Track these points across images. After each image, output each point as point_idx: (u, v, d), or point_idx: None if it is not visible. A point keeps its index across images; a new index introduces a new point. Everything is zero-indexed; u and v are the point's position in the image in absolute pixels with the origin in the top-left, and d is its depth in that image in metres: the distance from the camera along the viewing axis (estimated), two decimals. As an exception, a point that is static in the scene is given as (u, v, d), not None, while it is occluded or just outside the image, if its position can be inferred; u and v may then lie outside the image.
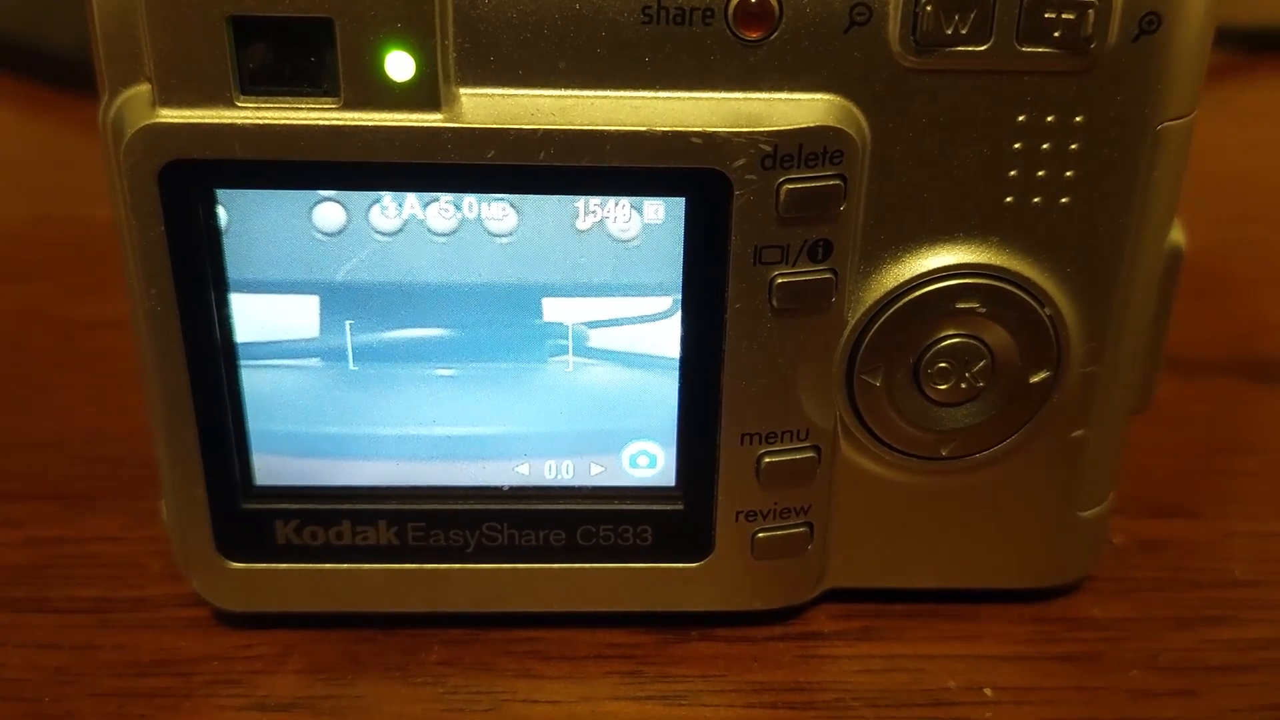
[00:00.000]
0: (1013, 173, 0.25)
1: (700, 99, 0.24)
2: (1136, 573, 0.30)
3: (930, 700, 0.27)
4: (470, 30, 0.23)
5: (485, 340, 0.26)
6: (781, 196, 0.24)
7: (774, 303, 0.25)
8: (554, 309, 0.26)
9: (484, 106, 0.23)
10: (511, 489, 0.27)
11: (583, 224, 0.25)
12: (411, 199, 0.25)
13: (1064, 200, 0.25)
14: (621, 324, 0.26)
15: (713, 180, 0.24)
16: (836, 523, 0.28)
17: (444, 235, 0.25)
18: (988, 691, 0.27)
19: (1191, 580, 0.30)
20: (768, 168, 0.24)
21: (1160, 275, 0.27)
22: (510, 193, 0.24)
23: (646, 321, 0.26)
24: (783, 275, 0.25)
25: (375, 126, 0.23)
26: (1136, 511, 0.32)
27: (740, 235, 0.25)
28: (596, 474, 0.28)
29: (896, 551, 0.29)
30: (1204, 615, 0.29)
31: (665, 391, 0.27)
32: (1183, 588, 0.30)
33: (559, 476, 0.27)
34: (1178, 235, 0.27)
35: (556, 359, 0.26)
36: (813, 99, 0.24)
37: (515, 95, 0.24)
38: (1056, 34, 0.24)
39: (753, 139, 0.24)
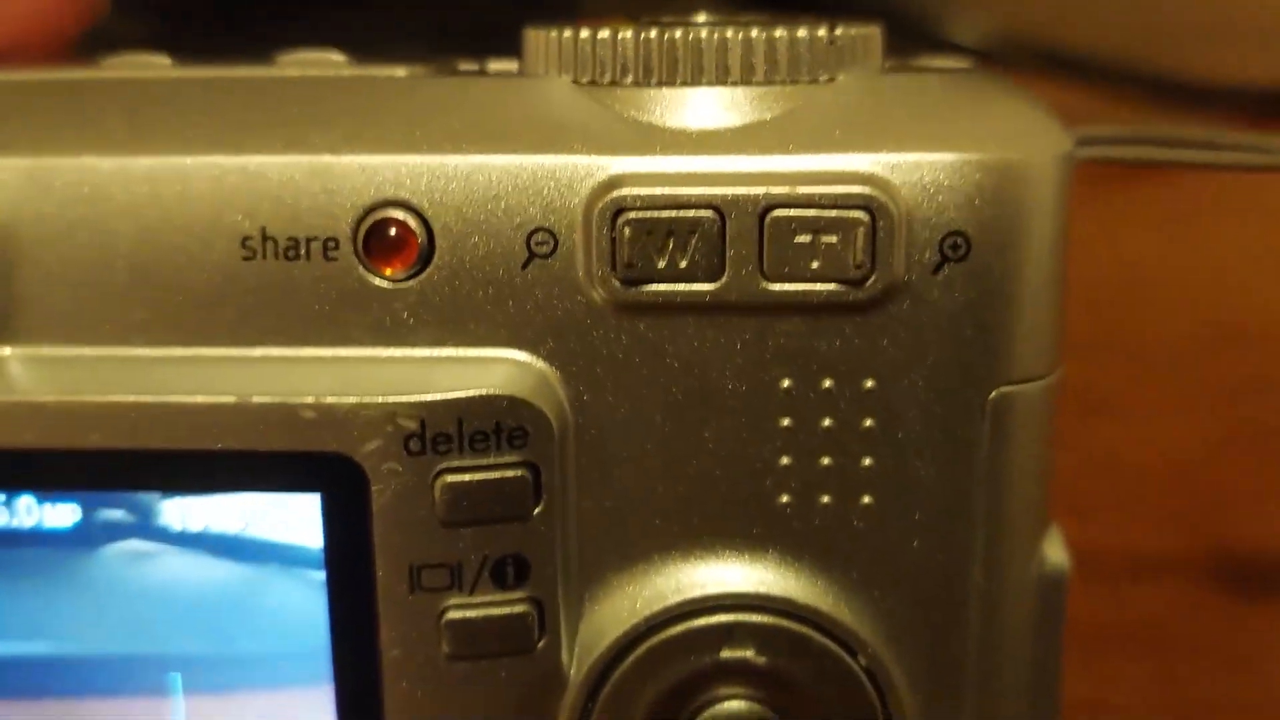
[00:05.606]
0: (784, 460, 0.17)
1: (326, 358, 0.17)
2: None
3: None
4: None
5: None
6: (440, 493, 0.17)
7: (447, 648, 0.18)
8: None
9: (25, 372, 0.17)
10: None
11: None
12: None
13: (865, 500, 0.17)
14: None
15: (344, 471, 0.17)
16: None
17: (-4, 550, 0.18)
18: None
19: None
20: (415, 452, 0.17)
21: (1034, 610, 0.18)
22: (63, 490, 0.18)
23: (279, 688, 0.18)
24: (456, 608, 0.17)
25: None
26: None
27: (386, 549, 0.17)
28: None
29: None
30: None
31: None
32: None
33: None
34: (1056, 551, 0.19)
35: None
36: (482, 356, 0.17)
37: (69, 355, 0.17)
38: (815, 263, 0.17)
39: (389, 412, 0.17)
